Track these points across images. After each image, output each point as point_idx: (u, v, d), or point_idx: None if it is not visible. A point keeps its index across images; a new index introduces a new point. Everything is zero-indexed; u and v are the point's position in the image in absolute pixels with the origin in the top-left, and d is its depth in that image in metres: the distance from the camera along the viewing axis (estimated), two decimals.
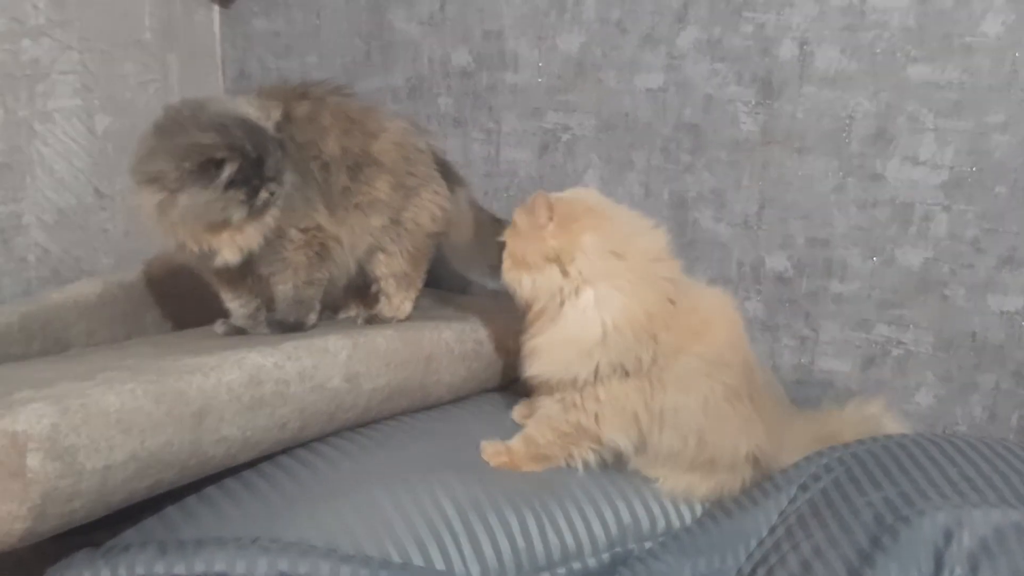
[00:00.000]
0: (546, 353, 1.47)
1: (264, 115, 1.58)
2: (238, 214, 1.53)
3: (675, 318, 1.45)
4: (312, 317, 1.76)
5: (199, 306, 1.81)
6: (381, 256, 1.81)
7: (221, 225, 1.54)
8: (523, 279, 1.46)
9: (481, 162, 2.14)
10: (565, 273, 1.43)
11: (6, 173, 1.81)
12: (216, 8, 2.31)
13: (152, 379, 1.19)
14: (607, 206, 1.51)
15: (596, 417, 1.45)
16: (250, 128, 1.54)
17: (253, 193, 1.54)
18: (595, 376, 1.43)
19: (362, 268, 1.81)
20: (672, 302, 1.45)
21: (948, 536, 1.20)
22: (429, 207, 1.82)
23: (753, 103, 1.87)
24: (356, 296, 1.90)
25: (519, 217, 1.48)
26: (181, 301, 1.91)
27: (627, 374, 1.44)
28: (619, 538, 1.41)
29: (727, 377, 1.45)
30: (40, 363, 1.54)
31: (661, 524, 1.46)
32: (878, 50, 1.76)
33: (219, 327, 1.77)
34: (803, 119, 1.84)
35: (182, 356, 1.31)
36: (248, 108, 1.57)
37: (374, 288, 1.85)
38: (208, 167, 1.49)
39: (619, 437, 1.45)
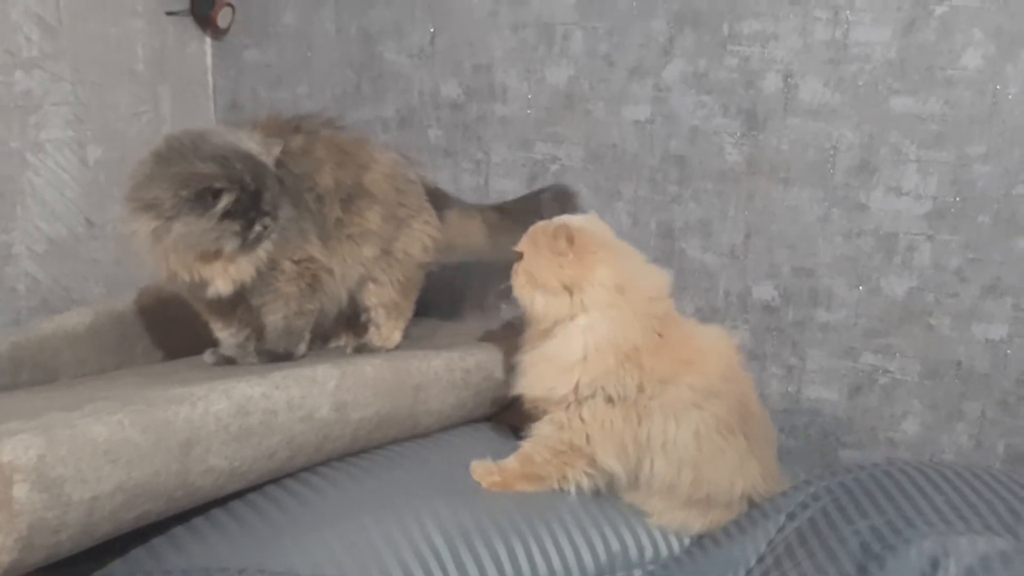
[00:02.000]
0: (530, 370, 1.52)
1: (265, 150, 1.59)
2: (231, 245, 1.54)
3: (664, 348, 1.47)
4: (302, 347, 1.77)
5: (189, 336, 1.81)
6: (372, 286, 1.82)
7: (213, 255, 1.55)
8: (536, 298, 1.49)
9: (471, 192, 2.16)
10: (572, 300, 1.47)
11: None
12: (208, 40, 2.33)
13: (139, 409, 1.19)
14: (617, 242, 1.56)
15: (587, 438, 1.47)
16: (251, 162, 1.55)
17: (248, 225, 1.55)
18: (575, 395, 1.46)
19: (352, 298, 1.82)
20: (660, 335, 1.48)
21: (935, 564, 1.20)
22: (420, 237, 1.83)
23: (738, 135, 1.89)
24: (346, 325, 1.90)
25: (540, 237, 1.50)
26: (171, 331, 1.92)
27: (611, 400, 1.46)
28: (607, 566, 1.41)
29: (719, 409, 1.46)
30: (28, 393, 1.54)
31: (650, 553, 1.46)
32: (861, 82, 1.78)
33: (208, 357, 1.78)
34: (788, 150, 1.86)
35: (170, 386, 1.31)
36: (249, 142, 1.58)
37: (364, 317, 1.85)
38: (205, 196, 1.50)
39: (612, 461, 1.46)
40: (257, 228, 1.56)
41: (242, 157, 1.54)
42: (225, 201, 1.51)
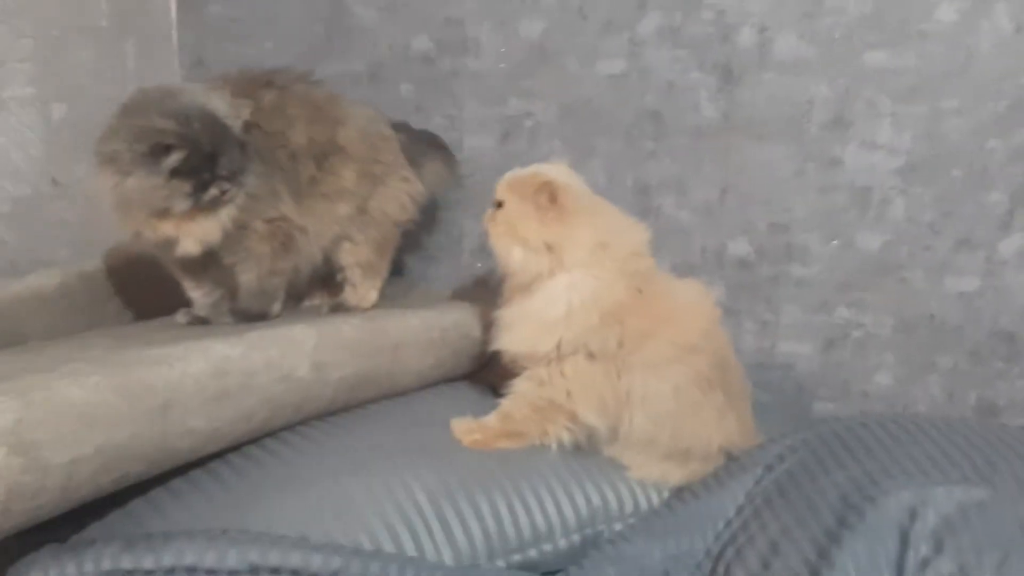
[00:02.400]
0: (511, 327, 1.51)
1: (234, 112, 1.55)
2: (181, 205, 1.51)
3: (645, 305, 1.47)
4: (276, 307, 1.75)
5: (161, 296, 1.79)
6: (347, 245, 1.80)
7: (165, 213, 1.51)
8: (514, 251, 1.48)
9: None
10: (551, 257, 1.46)
11: None
12: None
13: (116, 371, 1.17)
14: (595, 196, 1.56)
15: (568, 393, 1.47)
16: (212, 123, 1.51)
17: (201, 187, 1.51)
18: (557, 352, 1.46)
19: (328, 257, 1.80)
20: (640, 291, 1.48)
21: (913, 514, 1.22)
22: (397, 195, 1.81)
23: (714, 89, 1.88)
24: (321, 285, 1.88)
25: (523, 189, 1.49)
26: (142, 291, 1.89)
27: (592, 356, 1.46)
28: (589, 520, 1.42)
29: (698, 363, 1.47)
30: None
31: (630, 506, 1.47)
32: (836, 36, 1.78)
33: (181, 317, 1.75)
34: (763, 105, 1.85)
35: (146, 347, 1.29)
36: (219, 103, 1.54)
37: (339, 277, 1.83)
38: (158, 152, 1.47)
39: (592, 416, 1.47)
40: (212, 191, 1.52)
41: (204, 117, 1.51)
42: (173, 158, 1.47)
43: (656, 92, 1.93)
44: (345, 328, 1.50)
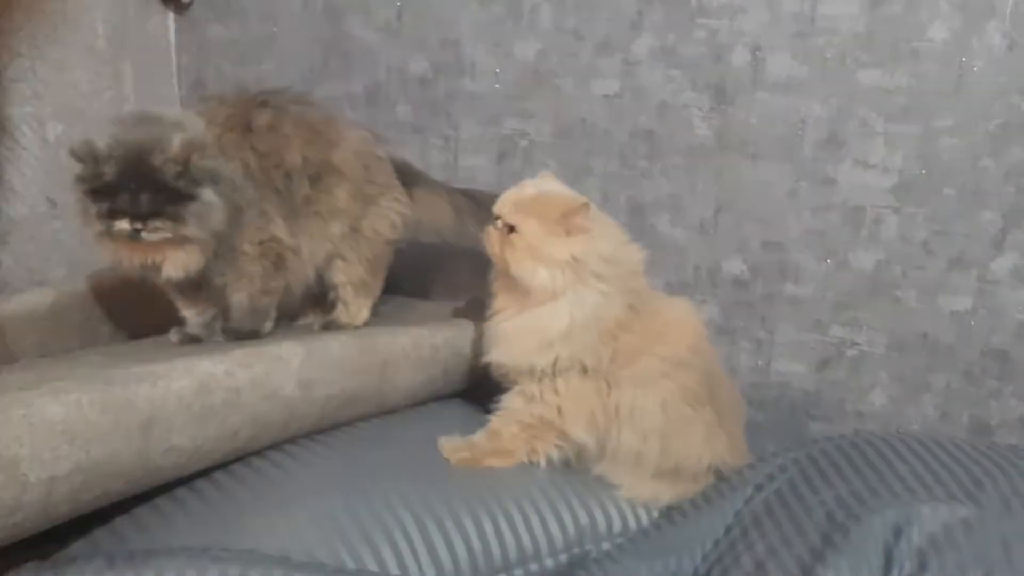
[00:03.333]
0: (510, 340, 1.50)
1: (181, 154, 1.51)
2: (96, 227, 1.51)
3: (636, 321, 1.47)
4: (268, 325, 1.75)
5: (155, 315, 1.78)
6: (340, 263, 1.80)
7: (103, 235, 1.52)
8: (539, 272, 1.45)
9: (440, 169, 2.14)
10: (576, 271, 1.45)
11: None
12: (171, 15, 2.29)
13: (98, 388, 1.17)
14: (603, 216, 1.54)
15: (559, 410, 1.47)
16: (133, 159, 1.49)
17: (107, 215, 1.50)
18: (553, 368, 1.46)
19: (320, 275, 1.80)
20: (634, 309, 1.48)
21: (898, 533, 1.21)
22: (388, 215, 1.81)
23: (707, 109, 1.89)
24: (314, 303, 1.88)
25: (547, 211, 1.46)
26: (136, 310, 1.88)
27: (585, 371, 1.46)
28: (576, 539, 1.41)
29: (687, 379, 1.47)
30: None
31: (618, 526, 1.46)
32: (829, 56, 1.78)
33: (174, 336, 1.75)
34: (757, 124, 1.86)
35: (132, 365, 1.29)
36: (173, 142, 1.51)
37: (331, 295, 1.83)
38: (75, 161, 1.50)
39: (582, 433, 1.47)
40: (119, 224, 1.50)
41: (129, 152, 1.49)
42: (78, 168, 1.49)
43: (650, 112, 1.94)
44: (333, 345, 1.49)
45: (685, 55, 1.88)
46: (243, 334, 1.70)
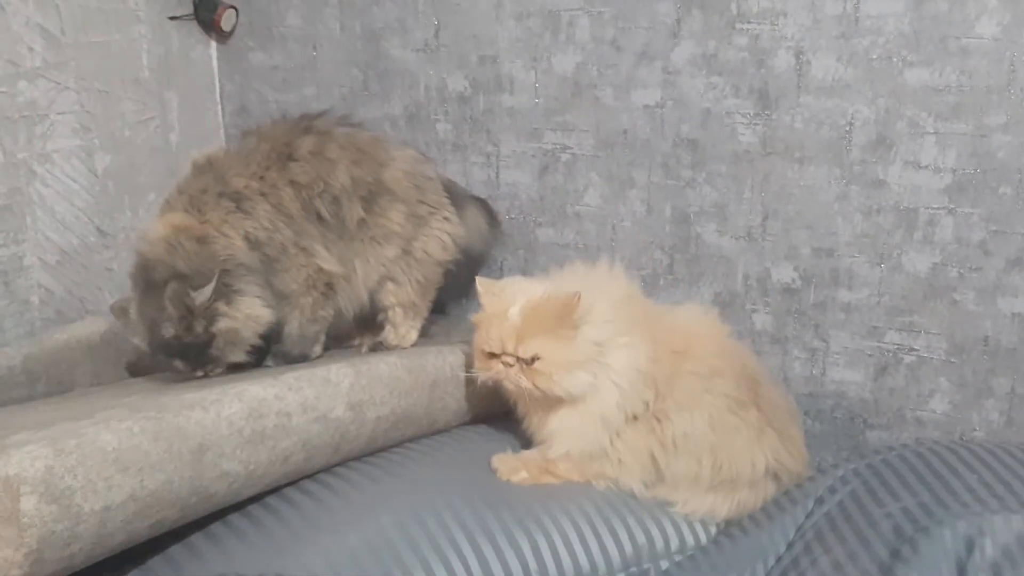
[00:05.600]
0: (572, 432, 1.44)
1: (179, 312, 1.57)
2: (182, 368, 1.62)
3: (657, 346, 1.44)
4: (317, 349, 1.75)
5: None
6: (390, 286, 1.79)
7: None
8: (578, 378, 1.40)
9: (481, 186, 2.13)
10: (602, 348, 1.42)
11: (7, 215, 1.81)
12: (213, 44, 2.31)
13: (150, 416, 1.17)
14: (575, 272, 1.53)
15: (619, 462, 1.45)
16: (158, 339, 1.58)
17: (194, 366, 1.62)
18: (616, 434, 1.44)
19: (371, 297, 1.80)
20: (653, 338, 1.45)
21: (970, 545, 1.17)
22: (440, 236, 1.81)
23: (751, 115, 1.86)
24: (362, 324, 1.88)
25: (548, 320, 1.40)
26: None
27: (636, 418, 1.44)
28: (634, 558, 1.39)
29: (725, 387, 1.45)
30: (43, 405, 1.53)
31: (676, 543, 1.43)
32: (874, 56, 1.75)
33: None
34: (802, 129, 1.82)
35: (183, 392, 1.30)
36: (170, 311, 1.56)
37: (380, 317, 1.83)
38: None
39: (637, 483, 1.46)
40: (199, 374, 1.62)
41: (152, 331, 1.57)
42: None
43: (693, 120, 1.91)
44: (382, 367, 1.49)
45: (726, 61, 1.86)
46: (292, 358, 1.71)
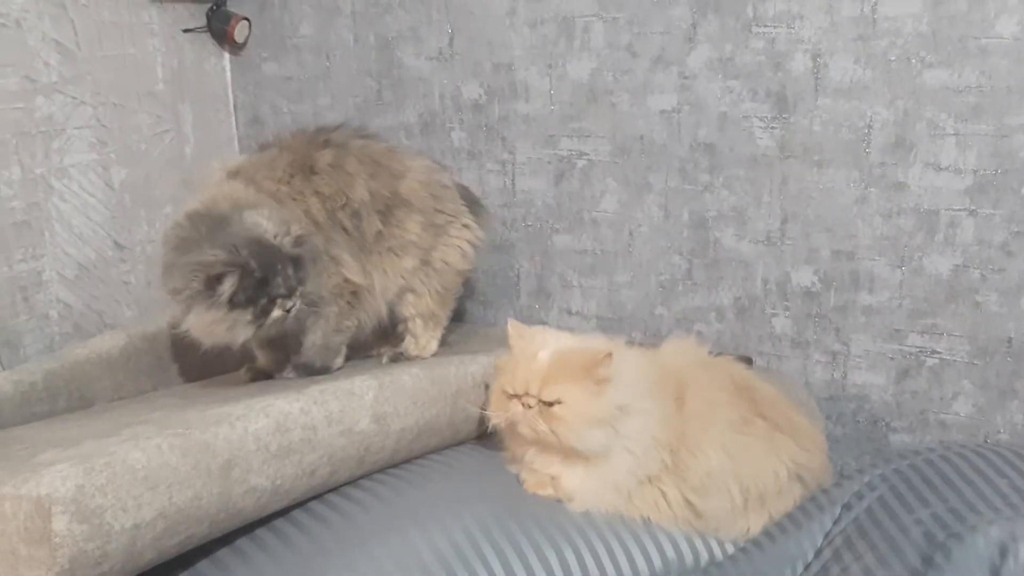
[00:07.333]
0: (589, 493, 1.42)
1: (283, 230, 1.54)
2: (244, 334, 1.52)
3: (664, 401, 1.44)
4: (338, 361, 1.75)
5: (225, 353, 1.79)
6: (410, 297, 1.79)
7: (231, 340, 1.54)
8: (595, 434, 1.38)
9: (497, 193, 2.13)
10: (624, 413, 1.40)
11: (25, 231, 1.81)
12: (226, 55, 2.31)
13: (177, 432, 1.17)
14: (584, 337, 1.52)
15: (646, 520, 1.43)
16: (260, 247, 1.50)
17: (262, 313, 1.52)
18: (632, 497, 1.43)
19: (391, 309, 1.80)
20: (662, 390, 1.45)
21: (1004, 551, 1.16)
22: (458, 244, 1.81)
23: (769, 118, 1.85)
24: (381, 335, 1.88)
25: (569, 371, 1.38)
26: (206, 350, 1.90)
27: (659, 478, 1.43)
28: (662, 572, 1.37)
29: (726, 412, 1.44)
30: (66, 421, 1.53)
31: (705, 557, 1.42)
32: (892, 57, 1.74)
33: (245, 373, 1.77)
34: (820, 131, 1.81)
35: (208, 406, 1.29)
36: (268, 224, 1.53)
37: (400, 328, 1.83)
38: (213, 284, 1.47)
39: (672, 526, 1.43)
40: (276, 313, 1.54)
41: (251, 243, 1.49)
42: (227, 284, 1.47)
43: (710, 125, 1.91)
44: (405, 378, 1.48)
45: (743, 65, 1.85)
46: (314, 370, 1.71)
